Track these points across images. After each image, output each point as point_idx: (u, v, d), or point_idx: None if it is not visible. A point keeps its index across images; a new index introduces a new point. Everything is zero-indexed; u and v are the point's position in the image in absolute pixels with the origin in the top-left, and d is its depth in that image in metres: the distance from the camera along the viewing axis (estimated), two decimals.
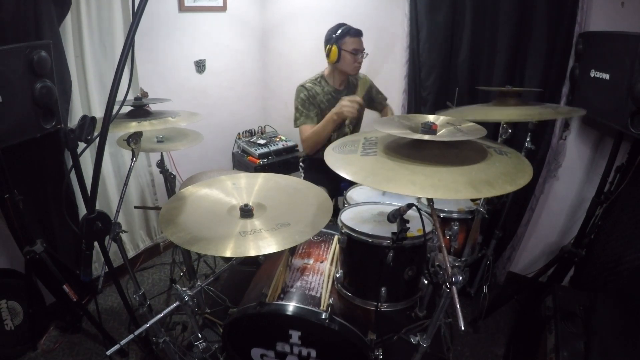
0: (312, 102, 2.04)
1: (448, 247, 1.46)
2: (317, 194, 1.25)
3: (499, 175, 0.88)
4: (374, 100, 2.28)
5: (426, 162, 0.92)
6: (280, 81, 3.07)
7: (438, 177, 0.86)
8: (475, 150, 1.02)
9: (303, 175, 2.27)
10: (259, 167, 2.71)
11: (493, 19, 1.93)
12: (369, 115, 2.29)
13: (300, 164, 2.33)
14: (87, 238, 1.03)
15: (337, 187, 2.09)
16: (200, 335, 1.17)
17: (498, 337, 2.01)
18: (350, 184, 1.79)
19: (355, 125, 2.24)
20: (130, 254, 2.47)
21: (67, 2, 1.75)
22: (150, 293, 2.27)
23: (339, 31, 1.97)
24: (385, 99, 2.33)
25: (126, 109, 1.47)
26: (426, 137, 0.98)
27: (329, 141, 1.77)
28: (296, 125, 2.08)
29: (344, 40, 1.96)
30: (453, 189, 0.83)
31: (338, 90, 2.11)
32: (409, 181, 0.86)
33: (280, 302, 1.21)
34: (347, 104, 1.88)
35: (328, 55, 2.01)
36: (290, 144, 2.89)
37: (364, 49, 2.02)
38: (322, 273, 1.37)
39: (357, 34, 1.99)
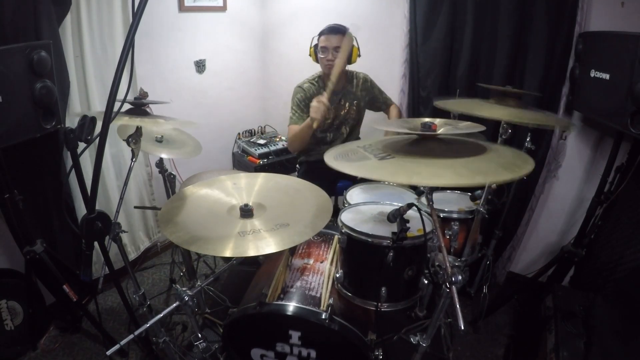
0: (307, 104, 1.97)
1: (448, 247, 1.46)
2: (317, 194, 1.25)
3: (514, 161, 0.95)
4: (377, 100, 2.21)
5: (445, 158, 0.95)
6: (280, 81, 3.07)
7: (477, 165, 0.90)
8: (475, 145, 1.03)
9: (298, 176, 2.25)
10: (259, 167, 2.71)
11: (493, 18, 1.93)
12: (369, 116, 2.28)
13: (297, 165, 2.32)
14: (87, 238, 1.03)
15: (333, 188, 2.08)
16: (200, 335, 1.17)
17: (498, 337, 2.01)
18: (351, 185, 1.79)
19: (353, 126, 2.19)
20: (131, 254, 2.46)
21: (67, 2, 1.75)
22: (150, 293, 2.27)
23: (320, 31, 1.95)
24: (390, 99, 2.25)
25: (125, 109, 1.47)
26: (441, 131, 1.00)
27: (330, 144, 1.74)
28: (288, 125, 2.05)
29: (319, 39, 1.95)
30: (496, 171, 0.89)
31: (335, 90, 2.07)
32: (456, 173, 0.88)
33: (280, 302, 1.21)
34: (313, 104, 1.80)
35: (310, 55, 2.01)
36: None
37: (336, 47, 1.88)
38: (322, 273, 1.37)
39: (331, 31, 1.90)
